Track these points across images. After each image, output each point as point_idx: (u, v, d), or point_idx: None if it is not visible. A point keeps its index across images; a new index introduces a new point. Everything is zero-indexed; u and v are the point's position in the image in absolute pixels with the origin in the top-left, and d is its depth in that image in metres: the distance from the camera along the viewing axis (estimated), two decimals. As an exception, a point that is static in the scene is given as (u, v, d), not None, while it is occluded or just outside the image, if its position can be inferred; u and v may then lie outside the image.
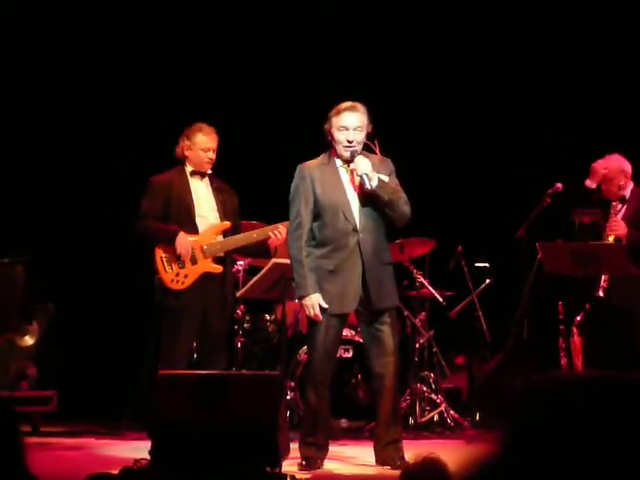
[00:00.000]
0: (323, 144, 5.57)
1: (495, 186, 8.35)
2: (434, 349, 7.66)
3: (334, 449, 5.84)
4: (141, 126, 8.40)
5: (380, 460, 5.46)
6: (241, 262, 7.17)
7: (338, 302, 5.42)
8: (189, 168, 6.27)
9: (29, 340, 7.28)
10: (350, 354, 7.16)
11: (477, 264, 7.76)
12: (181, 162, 6.30)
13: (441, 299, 7.49)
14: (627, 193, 6.48)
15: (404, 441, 5.58)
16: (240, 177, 6.65)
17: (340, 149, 5.46)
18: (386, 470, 5.35)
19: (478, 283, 7.72)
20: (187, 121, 6.36)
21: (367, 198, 5.43)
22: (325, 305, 5.37)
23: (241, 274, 7.18)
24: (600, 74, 8.29)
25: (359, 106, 5.47)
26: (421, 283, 7.49)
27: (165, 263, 6.11)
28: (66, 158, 8.53)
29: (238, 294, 6.79)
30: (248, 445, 4.48)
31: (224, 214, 6.26)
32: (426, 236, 7.38)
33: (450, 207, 8.39)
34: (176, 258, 6.09)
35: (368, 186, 5.34)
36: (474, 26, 8.57)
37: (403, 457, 5.37)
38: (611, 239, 6.29)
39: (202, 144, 6.23)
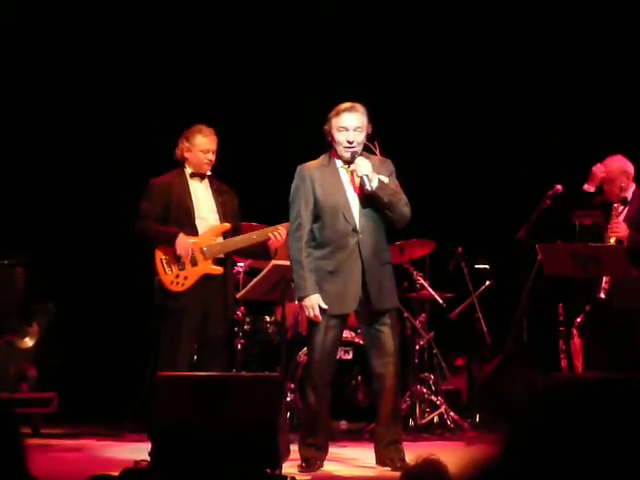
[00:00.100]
0: (323, 145, 5.57)
1: (495, 187, 8.35)
2: (434, 351, 7.65)
3: (334, 450, 5.84)
4: (141, 128, 8.40)
5: (380, 460, 5.46)
6: (241, 264, 7.17)
7: (338, 303, 5.41)
8: (189, 170, 6.26)
9: (29, 341, 7.27)
10: (350, 356, 7.15)
11: (477, 266, 7.75)
12: (181, 164, 6.29)
13: (441, 301, 7.48)
14: (629, 195, 6.43)
15: (404, 443, 5.57)
16: (240, 178, 6.65)
17: (340, 150, 5.45)
18: (386, 472, 5.35)
19: (478, 285, 7.71)
20: (187, 123, 6.36)
21: (367, 199, 5.43)
22: (325, 306, 5.36)
23: (241, 276, 7.17)
24: (600, 74, 8.28)
25: (358, 107, 5.47)
26: (421, 285, 7.48)
27: (165, 265, 6.10)
28: (66, 159, 8.52)
29: (238, 295, 6.78)
30: (248, 446, 4.48)
31: (224, 216, 6.25)
32: (426, 238, 7.37)
33: (450, 208, 8.38)
34: (176, 260, 6.09)
35: (368, 187, 5.34)
36: (474, 26, 8.57)
37: (404, 458, 5.36)
38: (612, 241, 6.26)
39: (201, 145, 6.23)
